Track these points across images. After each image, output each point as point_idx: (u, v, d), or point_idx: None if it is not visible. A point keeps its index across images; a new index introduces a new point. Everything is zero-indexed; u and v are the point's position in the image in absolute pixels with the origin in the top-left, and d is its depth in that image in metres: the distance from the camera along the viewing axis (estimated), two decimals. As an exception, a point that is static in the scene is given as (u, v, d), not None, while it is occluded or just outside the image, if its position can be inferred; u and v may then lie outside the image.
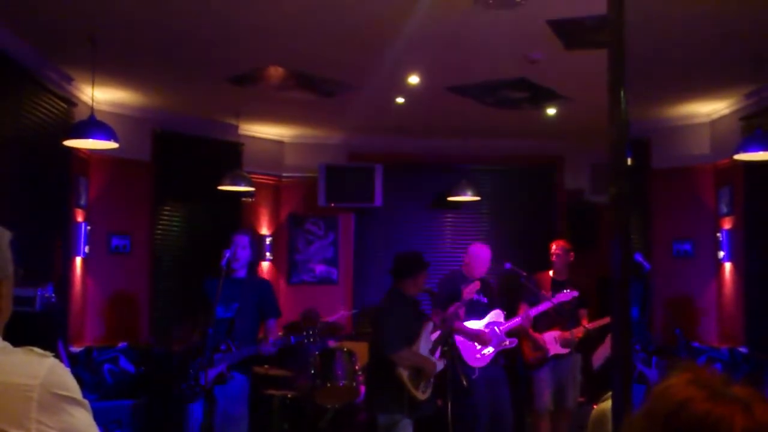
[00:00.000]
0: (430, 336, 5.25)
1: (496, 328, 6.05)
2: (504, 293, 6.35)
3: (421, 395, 5.05)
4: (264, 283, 5.78)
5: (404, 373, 5.02)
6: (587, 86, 5.72)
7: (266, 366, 6.28)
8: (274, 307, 5.47)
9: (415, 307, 5.31)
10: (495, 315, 6.11)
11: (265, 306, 5.38)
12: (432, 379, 5.15)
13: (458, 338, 5.85)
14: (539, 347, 6.31)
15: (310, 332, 5.21)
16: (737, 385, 1.09)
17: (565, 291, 6.26)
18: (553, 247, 6.60)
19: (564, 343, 6.30)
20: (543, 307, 6.19)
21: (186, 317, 5.77)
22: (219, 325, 5.08)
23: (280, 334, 5.68)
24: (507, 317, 6.22)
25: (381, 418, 5.05)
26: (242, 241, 5.27)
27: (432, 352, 5.19)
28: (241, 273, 5.32)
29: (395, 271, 5.30)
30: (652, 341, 5.53)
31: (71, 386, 1.53)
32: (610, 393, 2.33)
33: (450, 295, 5.84)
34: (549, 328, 6.36)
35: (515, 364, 6.57)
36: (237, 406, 5.15)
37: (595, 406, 2.88)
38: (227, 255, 5.12)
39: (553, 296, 6.27)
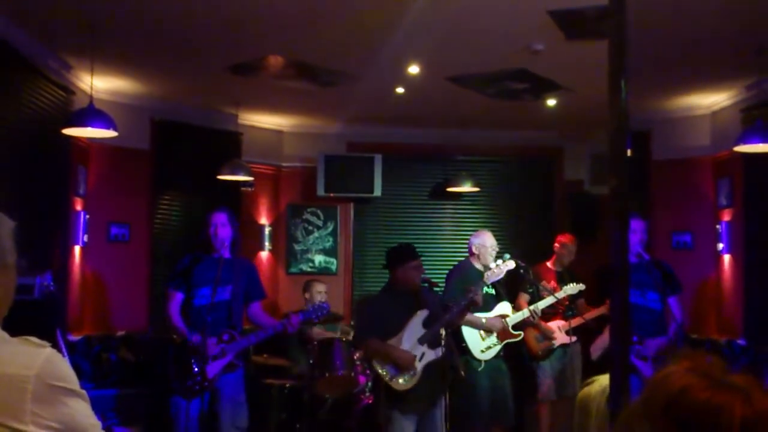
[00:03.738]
0: (422, 325, 5.14)
1: (503, 321, 6.03)
2: (506, 285, 6.32)
3: (402, 386, 4.97)
4: (250, 263, 5.59)
5: (377, 365, 5.01)
6: (588, 77, 5.71)
7: (265, 355, 6.29)
8: (261, 289, 5.29)
9: (406, 297, 5.17)
10: (502, 308, 6.09)
11: (252, 287, 5.16)
12: (414, 371, 4.98)
13: (465, 330, 5.83)
14: (548, 337, 6.30)
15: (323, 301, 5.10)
16: (737, 374, 1.09)
17: (571, 285, 6.27)
18: (569, 242, 6.57)
19: (568, 332, 6.33)
20: (550, 301, 6.19)
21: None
22: (217, 310, 4.89)
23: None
24: (513, 310, 6.21)
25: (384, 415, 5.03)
26: (220, 218, 5.00)
27: (422, 341, 5.06)
28: (226, 253, 5.00)
29: (385, 264, 5.31)
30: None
31: (68, 377, 1.51)
32: (594, 378, 2.34)
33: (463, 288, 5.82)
34: (551, 317, 6.37)
35: (519, 354, 6.56)
36: (240, 392, 5.05)
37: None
38: (210, 233, 4.93)
39: (559, 288, 6.29)
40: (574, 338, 6.31)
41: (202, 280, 4.93)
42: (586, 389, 2.36)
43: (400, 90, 6.66)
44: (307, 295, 7.02)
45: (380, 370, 5.00)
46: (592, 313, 6.17)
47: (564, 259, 6.60)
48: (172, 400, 4.91)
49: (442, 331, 5.05)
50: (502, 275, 5.76)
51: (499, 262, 5.72)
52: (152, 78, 6.56)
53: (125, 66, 6.19)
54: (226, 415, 4.94)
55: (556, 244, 6.65)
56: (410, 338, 5.07)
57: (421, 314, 5.12)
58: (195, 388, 4.78)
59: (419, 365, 5.03)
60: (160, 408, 6.12)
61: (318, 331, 6.45)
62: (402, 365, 4.99)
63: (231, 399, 4.96)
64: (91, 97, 5.53)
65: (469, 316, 5.72)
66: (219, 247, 4.96)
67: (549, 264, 6.64)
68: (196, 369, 4.80)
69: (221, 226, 5.00)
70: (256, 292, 5.21)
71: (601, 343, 5.80)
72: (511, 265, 5.72)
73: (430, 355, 5.06)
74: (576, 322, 6.26)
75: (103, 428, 1.61)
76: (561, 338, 6.34)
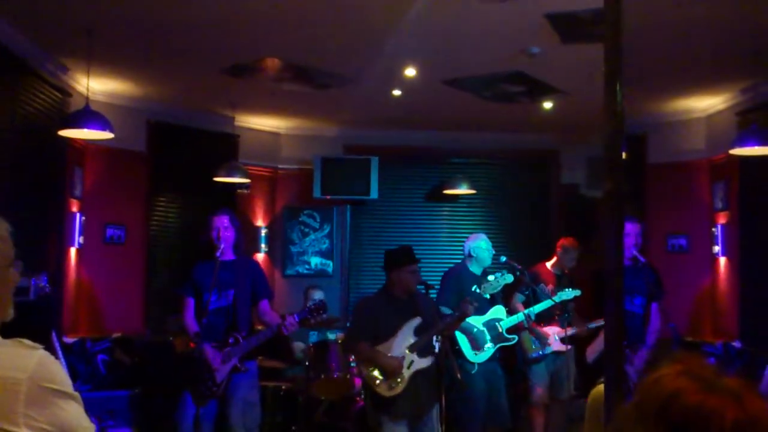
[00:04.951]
0: (414, 332, 5.08)
1: (497, 324, 6.02)
2: (502, 288, 6.30)
3: (387, 392, 4.91)
4: (254, 263, 5.56)
5: (364, 369, 4.99)
6: (584, 80, 5.72)
7: (260, 357, 6.28)
8: (267, 287, 5.26)
9: (401, 302, 5.08)
10: (497, 311, 6.08)
11: (257, 287, 5.13)
12: (401, 378, 4.92)
13: (459, 333, 5.82)
14: (543, 342, 6.26)
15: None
16: (729, 377, 1.09)
17: (567, 290, 6.24)
18: (570, 245, 6.54)
19: (564, 340, 6.29)
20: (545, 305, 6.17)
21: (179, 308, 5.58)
22: (217, 315, 4.89)
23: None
24: (508, 313, 6.20)
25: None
26: (222, 221, 4.97)
27: (412, 349, 5.00)
28: (229, 255, 5.01)
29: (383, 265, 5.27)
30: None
31: (61, 379, 1.51)
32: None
33: (458, 293, 5.80)
34: (547, 322, 6.34)
35: (513, 357, 6.54)
36: (254, 393, 5.04)
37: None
38: (214, 236, 4.92)
39: (554, 292, 6.25)
40: (569, 347, 6.25)
41: (204, 286, 4.92)
42: (601, 387, 2.35)
43: (396, 92, 6.66)
44: (304, 301, 7.05)
45: (367, 375, 4.98)
46: (594, 323, 6.13)
47: (565, 262, 6.53)
48: (180, 402, 4.87)
49: (435, 338, 5.00)
50: (499, 288, 5.77)
51: (498, 275, 5.73)
52: (148, 80, 6.55)
53: (121, 68, 6.18)
54: (236, 417, 4.91)
55: (558, 248, 6.61)
56: (401, 345, 5.01)
57: (414, 321, 5.06)
58: (207, 393, 4.78)
59: (407, 373, 4.97)
60: (155, 409, 6.13)
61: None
62: (388, 372, 4.95)
63: (243, 400, 4.93)
64: (87, 98, 5.52)
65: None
66: (224, 249, 4.91)
67: (548, 265, 6.58)
68: (206, 375, 4.80)
69: (224, 229, 4.96)
70: (262, 292, 5.17)
71: (597, 346, 5.79)
72: (509, 279, 5.75)
73: (420, 363, 5.00)
74: (571, 330, 6.21)
75: (98, 430, 1.61)
76: (556, 346, 6.30)
